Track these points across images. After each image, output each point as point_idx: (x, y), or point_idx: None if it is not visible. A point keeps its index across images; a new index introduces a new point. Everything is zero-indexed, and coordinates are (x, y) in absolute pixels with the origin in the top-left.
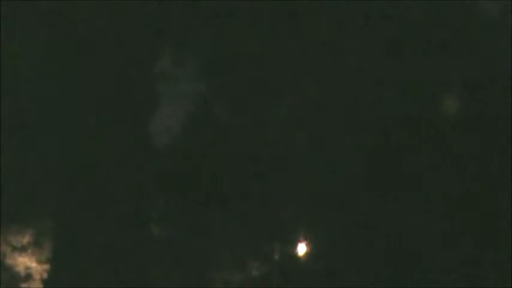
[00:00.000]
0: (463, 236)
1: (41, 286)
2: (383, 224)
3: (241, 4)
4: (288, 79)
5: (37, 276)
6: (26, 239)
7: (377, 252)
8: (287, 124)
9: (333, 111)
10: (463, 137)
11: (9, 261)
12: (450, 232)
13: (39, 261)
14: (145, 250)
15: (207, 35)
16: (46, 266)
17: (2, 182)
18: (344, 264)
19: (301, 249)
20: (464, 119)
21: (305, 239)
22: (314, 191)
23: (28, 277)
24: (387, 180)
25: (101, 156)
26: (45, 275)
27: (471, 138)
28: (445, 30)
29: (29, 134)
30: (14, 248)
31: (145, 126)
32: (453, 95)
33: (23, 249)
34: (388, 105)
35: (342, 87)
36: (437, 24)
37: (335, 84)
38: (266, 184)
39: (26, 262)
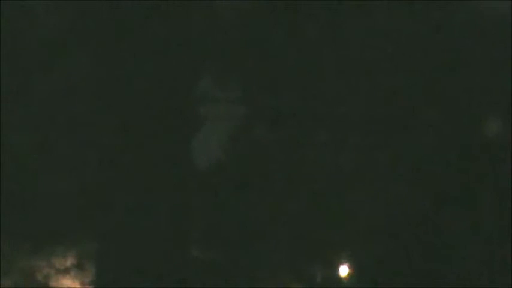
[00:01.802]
0: None
1: None
2: (429, 247)
3: (280, 28)
4: (329, 101)
5: None
6: (69, 262)
7: (422, 275)
8: (328, 145)
9: (377, 134)
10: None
11: (53, 283)
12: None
13: (82, 283)
14: (186, 271)
15: (248, 58)
16: None
17: (46, 206)
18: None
19: (343, 271)
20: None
21: (347, 261)
22: (357, 212)
23: None
24: (433, 203)
25: (142, 177)
26: None
27: None
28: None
29: (69, 157)
30: (58, 271)
31: (186, 146)
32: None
33: (66, 272)
34: (431, 128)
35: (384, 108)
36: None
37: (376, 107)
38: (307, 205)
39: (69, 284)
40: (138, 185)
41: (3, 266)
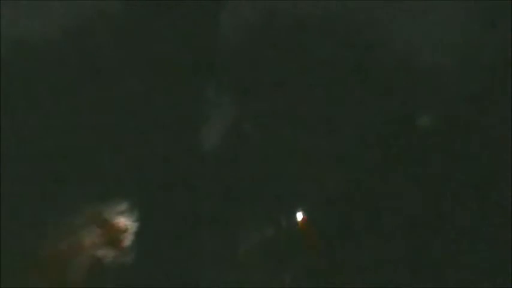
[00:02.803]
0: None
1: (134, 238)
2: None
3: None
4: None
5: (132, 231)
6: (123, 207)
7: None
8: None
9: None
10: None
11: (113, 221)
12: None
13: (133, 221)
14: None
15: (242, 73)
16: (138, 224)
17: (108, 167)
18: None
19: (299, 216)
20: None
21: (303, 210)
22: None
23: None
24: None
25: (167, 156)
26: (137, 230)
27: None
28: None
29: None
30: (117, 213)
31: (193, 137)
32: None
33: (121, 213)
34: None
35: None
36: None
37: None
38: (279, 176)
39: (125, 221)
40: (166, 162)
41: (78, 207)
